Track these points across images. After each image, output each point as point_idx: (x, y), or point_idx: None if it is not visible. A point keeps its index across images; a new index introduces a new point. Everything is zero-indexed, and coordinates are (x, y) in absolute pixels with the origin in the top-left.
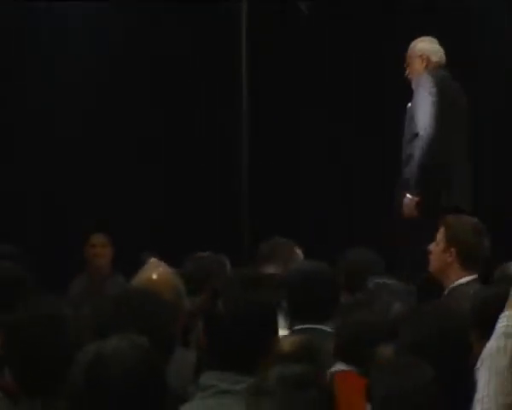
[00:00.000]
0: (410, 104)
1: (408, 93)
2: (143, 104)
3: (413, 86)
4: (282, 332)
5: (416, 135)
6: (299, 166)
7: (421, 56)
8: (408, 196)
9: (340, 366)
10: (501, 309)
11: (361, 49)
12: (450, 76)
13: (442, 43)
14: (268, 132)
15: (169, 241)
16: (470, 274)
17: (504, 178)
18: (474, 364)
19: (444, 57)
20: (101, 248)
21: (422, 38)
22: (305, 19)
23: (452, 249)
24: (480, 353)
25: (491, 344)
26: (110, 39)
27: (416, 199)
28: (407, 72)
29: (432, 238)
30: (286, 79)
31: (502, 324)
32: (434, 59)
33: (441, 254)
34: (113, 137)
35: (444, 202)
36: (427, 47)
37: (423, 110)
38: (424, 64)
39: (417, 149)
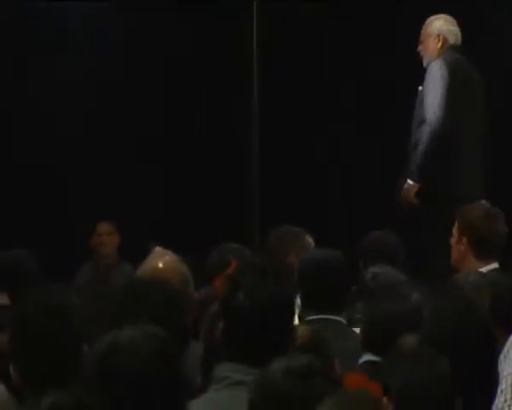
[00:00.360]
0: (420, 88)
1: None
2: (145, 103)
3: (424, 64)
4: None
5: (424, 121)
6: (302, 166)
7: (437, 36)
8: (409, 181)
9: (368, 357)
10: None
11: (361, 49)
12: (464, 58)
13: None
14: (273, 131)
15: (172, 240)
16: (488, 263)
17: (505, 179)
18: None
19: (460, 38)
20: (106, 237)
21: (439, 16)
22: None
23: (464, 238)
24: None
25: None
26: (110, 39)
27: (417, 185)
28: (419, 48)
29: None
30: (289, 78)
31: None
32: (451, 40)
33: (455, 246)
34: (116, 136)
35: (451, 189)
36: (444, 27)
37: (434, 94)
38: (440, 44)
39: (424, 135)
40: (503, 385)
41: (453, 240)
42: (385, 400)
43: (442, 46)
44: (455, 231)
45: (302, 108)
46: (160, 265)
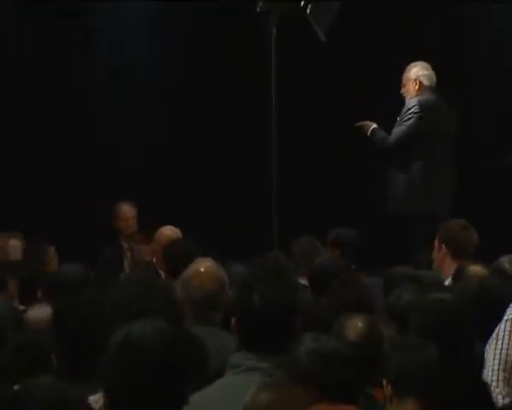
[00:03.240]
0: (398, 118)
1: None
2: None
3: (406, 102)
4: None
5: None
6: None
7: (415, 80)
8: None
9: None
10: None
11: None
12: (437, 98)
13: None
14: (290, 134)
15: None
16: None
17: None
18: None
19: (434, 80)
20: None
21: (416, 63)
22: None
23: (443, 245)
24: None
25: (499, 328)
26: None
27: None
28: (402, 91)
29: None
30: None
31: (510, 311)
32: (426, 83)
33: (437, 254)
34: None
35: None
36: (420, 72)
37: (402, 128)
38: (417, 87)
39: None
40: (486, 371)
41: (434, 250)
42: (384, 381)
43: (419, 88)
44: (436, 243)
45: (318, 107)
46: (202, 269)
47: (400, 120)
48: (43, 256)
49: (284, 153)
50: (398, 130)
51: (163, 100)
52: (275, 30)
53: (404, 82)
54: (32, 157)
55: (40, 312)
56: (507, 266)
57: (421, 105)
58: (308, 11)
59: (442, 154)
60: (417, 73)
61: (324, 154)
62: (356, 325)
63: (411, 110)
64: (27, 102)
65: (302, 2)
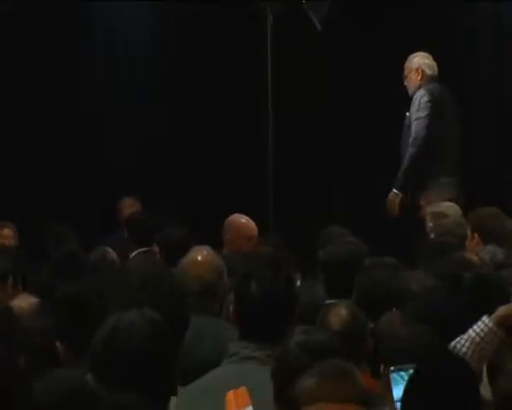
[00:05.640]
0: (407, 113)
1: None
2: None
3: (410, 94)
4: None
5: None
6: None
7: (417, 70)
8: (393, 190)
9: None
10: None
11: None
12: (440, 87)
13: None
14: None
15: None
16: None
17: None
18: None
19: (436, 70)
20: None
21: (417, 54)
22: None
23: (475, 235)
24: None
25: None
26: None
27: (400, 195)
28: (405, 82)
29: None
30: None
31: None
32: (429, 72)
33: (470, 243)
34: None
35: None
36: (422, 61)
37: (418, 120)
38: (420, 77)
39: (411, 150)
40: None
41: (468, 239)
42: (382, 367)
43: (422, 78)
44: (469, 231)
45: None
46: (199, 258)
47: (412, 114)
48: None
49: (282, 152)
50: (418, 123)
51: (163, 100)
52: (271, 20)
53: (405, 72)
54: (32, 156)
55: (25, 302)
56: (486, 258)
57: (430, 93)
58: (304, 0)
59: (450, 144)
60: (419, 62)
61: (323, 153)
62: (339, 313)
63: (423, 99)
64: (27, 101)
65: None
